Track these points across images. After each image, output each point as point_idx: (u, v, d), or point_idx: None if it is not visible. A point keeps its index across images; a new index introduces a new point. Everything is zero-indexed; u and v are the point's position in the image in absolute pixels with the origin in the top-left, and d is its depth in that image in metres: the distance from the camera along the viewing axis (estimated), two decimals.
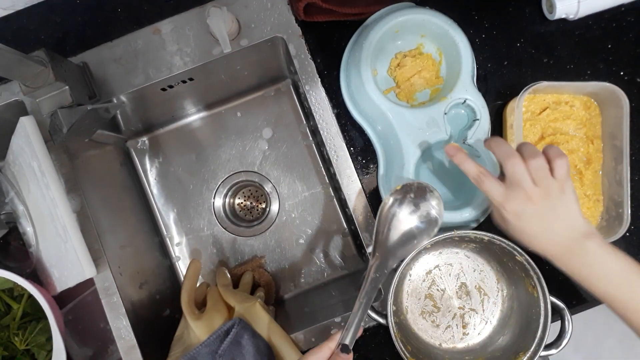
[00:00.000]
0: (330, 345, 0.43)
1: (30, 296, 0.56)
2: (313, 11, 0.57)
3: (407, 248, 0.50)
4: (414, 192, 0.49)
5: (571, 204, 0.42)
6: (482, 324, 0.57)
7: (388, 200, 0.50)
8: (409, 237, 0.50)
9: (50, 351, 0.55)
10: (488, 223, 0.59)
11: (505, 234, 0.45)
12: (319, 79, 0.58)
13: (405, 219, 0.50)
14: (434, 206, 0.49)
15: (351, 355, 0.43)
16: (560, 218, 0.42)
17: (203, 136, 0.73)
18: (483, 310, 0.57)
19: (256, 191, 0.74)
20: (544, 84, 0.52)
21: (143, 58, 0.58)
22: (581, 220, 0.42)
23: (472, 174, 0.44)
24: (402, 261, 0.51)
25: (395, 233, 0.50)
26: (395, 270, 0.52)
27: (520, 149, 0.42)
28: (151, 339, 0.59)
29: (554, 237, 0.42)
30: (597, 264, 0.41)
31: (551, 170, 0.42)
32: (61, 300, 0.63)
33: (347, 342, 0.44)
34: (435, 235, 0.50)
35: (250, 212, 0.74)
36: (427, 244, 0.51)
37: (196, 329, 0.54)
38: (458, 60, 0.54)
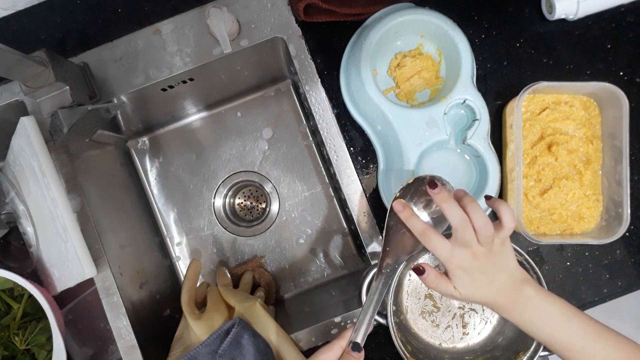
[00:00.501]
0: (342, 343, 0.43)
1: (31, 296, 0.56)
2: (313, 12, 0.57)
3: (418, 244, 0.48)
4: (427, 186, 0.47)
5: (510, 255, 0.44)
6: (482, 324, 0.57)
7: (399, 194, 0.48)
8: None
9: (50, 351, 0.55)
10: None
11: (454, 297, 0.45)
12: (319, 79, 0.58)
13: (417, 214, 0.48)
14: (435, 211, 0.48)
15: (362, 353, 0.43)
16: (502, 269, 0.44)
17: (203, 136, 0.73)
18: (483, 310, 0.57)
19: (256, 191, 0.74)
20: (544, 84, 0.52)
21: (143, 58, 0.58)
22: (518, 269, 0.44)
23: (417, 231, 0.45)
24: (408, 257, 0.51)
25: (406, 228, 0.48)
26: (395, 270, 0.52)
27: (470, 215, 0.43)
28: (151, 339, 0.59)
29: (498, 287, 0.44)
30: (536, 309, 0.43)
31: (496, 227, 0.43)
32: (61, 300, 0.63)
33: (358, 340, 0.44)
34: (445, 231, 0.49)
35: (250, 212, 0.74)
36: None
37: (196, 329, 0.54)
38: (458, 61, 0.54)
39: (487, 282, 0.43)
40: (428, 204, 0.48)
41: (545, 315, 0.43)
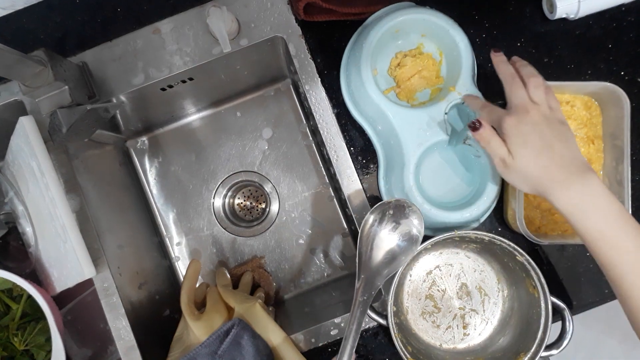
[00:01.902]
0: None
1: (30, 296, 0.56)
2: (313, 11, 0.56)
3: (392, 266, 0.50)
4: (393, 209, 0.49)
5: (570, 134, 0.42)
6: (483, 325, 0.57)
7: (368, 219, 0.50)
8: (393, 256, 0.50)
9: (49, 352, 0.55)
10: (489, 223, 0.59)
11: (505, 165, 0.43)
12: (319, 79, 0.57)
13: (387, 238, 0.50)
14: (414, 224, 0.49)
15: None
16: (560, 140, 0.41)
17: (203, 136, 0.73)
18: (484, 310, 0.57)
19: (256, 191, 0.74)
20: None
21: (143, 58, 0.58)
22: (580, 154, 0.42)
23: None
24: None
25: (379, 252, 0.49)
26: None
27: (519, 70, 0.45)
28: (151, 340, 0.59)
29: (558, 160, 0.41)
30: (595, 199, 0.39)
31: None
32: (60, 300, 0.63)
33: None
34: (421, 246, 0.50)
35: (250, 212, 0.74)
36: (428, 244, 0.51)
37: (196, 330, 0.53)
38: (458, 60, 0.53)
39: (543, 148, 0.41)
40: (397, 226, 0.49)
41: (602, 208, 0.39)
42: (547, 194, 0.42)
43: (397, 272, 0.51)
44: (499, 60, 0.48)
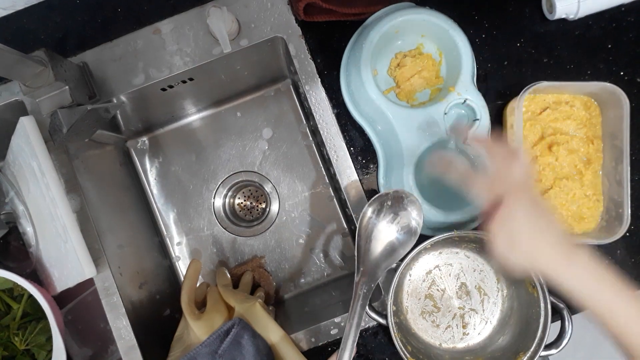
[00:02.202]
0: None
1: (30, 296, 0.56)
2: (313, 11, 0.57)
3: (391, 259, 0.49)
4: (391, 201, 0.49)
5: (554, 219, 0.43)
6: (482, 324, 0.57)
7: (366, 211, 0.49)
8: (392, 248, 0.50)
9: (50, 351, 0.55)
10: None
11: (509, 246, 0.43)
12: (319, 79, 0.58)
13: (385, 230, 0.49)
14: (413, 216, 0.49)
15: None
16: (552, 229, 0.43)
17: (203, 136, 0.73)
18: (483, 310, 0.57)
19: (256, 191, 0.74)
20: (544, 84, 0.52)
21: (143, 58, 0.58)
22: (565, 232, 0.43)
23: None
24: (401, 261, 0.51)
25: (378, 245, 0.49)
26: (395, 270, 0.52)
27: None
28: (151, 339, 0.59)
29: (552, 248, 0.42)
30: (594, 275, 0.41)
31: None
32: (61, 300, 0.63)
33: None
34: (417, 243, 0.50)
35: (250, 212, 0.74)
36: (428, 244, 0.51)
37: (196, 329, 0.53)
38: (458, 60, 0.54)
39: (543, 239, 0.42)
40: (395, 218, 0.49)
41: (599, 276, 0.41)
42: (549, 273, 0.43)
43: (398, 269, 0.51)
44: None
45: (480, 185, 0.44)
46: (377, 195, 0.50)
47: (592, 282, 0.41)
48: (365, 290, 0.48)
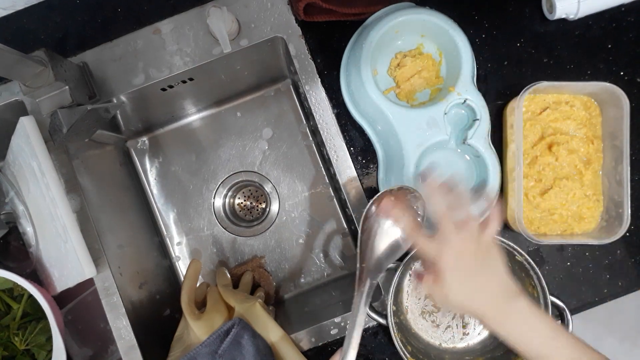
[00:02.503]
0: None
1: (30, 296, 0.56)
2: (313, 11, 0.57)
3: (394, 256, 0.48)
4: (395, 197, 0.48)
5: (499, 262, 0.43)
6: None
7: (370, 208, 0.48)
8: (395, 248, 0.49)
9: (50, 351, 0.55)
10: None
11: (448, 303, 0.44)
12: (319, 79, 0.58)
13: (390, 229, 0.48)
14: (418, 212, 0.48)
15: None
16: (491, 275, 0.43)
17: (203, 136, 0.73)
18: None
19: (256, 191, 0.74)
20: (544, 84, 0.52)
21: (143, 58, 0.58)
22: (510, 278, 0.43)
23: (439, 212, 0.44)
24: (401, 261, 0.51)
25: (382, 243, 0.48)
26: (395, 270, 0.52)
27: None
28: (151, 339, 0.59)
29: (489, 295, 0.43)
30: (527, 322, 0.42)
31: (481, 226, 0.43)
32: (61, 300, 0.63)
33: None
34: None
35: (250, 212, 0.74)
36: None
37: (196, 329, 0.53)
38: (458, 60, 0.54)
39: (477, 287, 0.43)
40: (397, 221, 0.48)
41: (537, 329, 0.42)
42: (488, 324, 0.43)
43: (398, 269, 0.51)
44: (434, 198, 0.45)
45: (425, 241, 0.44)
46: (382, 192, 0.49)
47: (526, 331, 0.42)
48: (368, 288, 0.47)
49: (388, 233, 0.49)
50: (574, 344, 0.42)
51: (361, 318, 0.46)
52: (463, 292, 0.43)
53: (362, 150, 0.60)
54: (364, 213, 0.49)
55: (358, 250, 0.49)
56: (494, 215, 0.44)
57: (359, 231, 0.49)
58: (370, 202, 0.49)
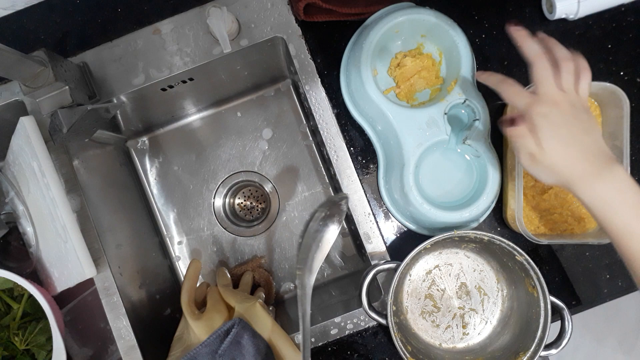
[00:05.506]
0: None
1: (30, 296, 0.56)
2: (313, 11, 0.57)
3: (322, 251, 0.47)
4: (329, 210, 0.47)
5: (596, 125, 0.40)
6: (482, 324, 0.57)
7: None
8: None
9: (50, 351, 0.55)
10: (488, 223, 0.59)
11: (536, 159, 0.40)
12: (319, 79, 0.58)
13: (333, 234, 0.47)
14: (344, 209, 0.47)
15: None
16: (587, 131, 0.39)
17: (203, 136, 0.73)
18: (483, 310, 0.57)
19: (256, 191, 0.74)
20: None
21: (143, 58, 0.58)
22: (605, 145, 0.40)
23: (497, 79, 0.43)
24: (401, 261, 0.51)
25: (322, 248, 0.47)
26: (395, 270, 0.52)
27: (552, 48, 0.41)
28: (151, 339, 0.59)
29: (583, 150, 0.39)
30: (621, 191, 0.38)
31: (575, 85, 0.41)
32: (61, 300, 0.63)
33: None
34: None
35: (250, 212, 0.74)
36: (428, 244, 0.51)
37: (196, 329, 0.53)
38: (458, 60, 0.54)
39: (572, 139, 0.39)
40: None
41: (630, 200, 0.37)
42: (574, 187, 0.40)
43: (398, 269, 0.51)
44: (521, 36, 0.43)
45: (516, 90, 0.42)
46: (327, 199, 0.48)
47: (617, 203, 0.38)
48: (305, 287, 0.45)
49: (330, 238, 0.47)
50: None
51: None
52: (556, 143, 0.39)
53: (362, 150, 0.60)
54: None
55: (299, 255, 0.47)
56: (583, 65, 0.41)
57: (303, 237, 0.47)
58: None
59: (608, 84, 0.52)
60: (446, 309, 0.57)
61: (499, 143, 0.58)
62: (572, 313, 0.52)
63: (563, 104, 0.40)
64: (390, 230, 0.59)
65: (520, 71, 0.59)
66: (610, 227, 0.39)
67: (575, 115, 0.40)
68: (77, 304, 0.64)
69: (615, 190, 0.38)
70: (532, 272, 0.51)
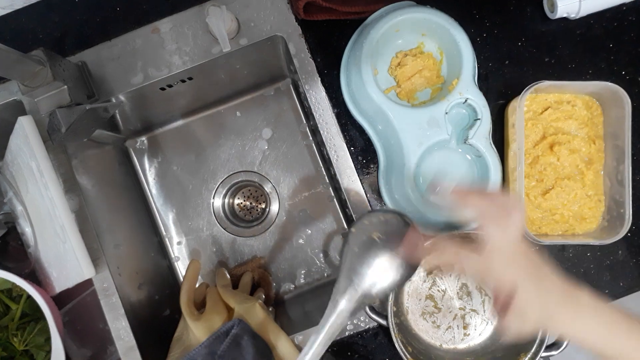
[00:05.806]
0: None
1: (29, 297, 0.56)
2: (313, 10, 0.56)
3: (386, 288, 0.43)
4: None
5: (540, 258, 0.40)
6: (483, 325, 0.57)
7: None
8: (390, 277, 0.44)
9: (49, 352, 0.55)
10: None
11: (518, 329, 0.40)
12: (319, 78, 0.57)
13: (388, 260, 0.43)
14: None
15: None
16: (548, 275, 0.39)
17: (202, 136, 0.73)
18: (484, 310, 0.57)
19: (256, 191, 0.74)
20: (546, 83, 0.52)
21: (142, 57, 0.57)
22: (557, 277, 0.40)
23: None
24: None
25: (376, 272, 0.43)
26: None
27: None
28: (150, 340, 0.59)
29: (556, 299, 0.39)
30: (593, 315, 0.39)
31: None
32: (60, 300, 0.62)
33: None
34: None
35: (250, 212, 0.74)
36: (428, 244, 0.51)
37: (195, 330, 0.53)
38: (459, 59, 0.53)
39: (547, 292, 0.38)
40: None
41: (605, 320, 0.38)
42: (555, 326, 0.40)
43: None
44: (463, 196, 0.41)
45: (477, 269, 0.41)
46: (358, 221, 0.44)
47: (601, 331, 0.39)
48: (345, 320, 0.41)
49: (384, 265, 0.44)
50: None
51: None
52: (538, 303, 0.38)
53: (363, 150, 0.59)
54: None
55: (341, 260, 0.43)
56: (513, 205, 0.40)
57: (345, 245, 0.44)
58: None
59: (609, 84, 0.52)
60: (447, 309, 0.57)
61: (500, 143, 0.58)
62: None
63: (520, 256, 0.39)
64: None
65: (521, 70, 0.59)
66: (595, 348, 0.39)
67: (531, 262, 0.39)
68: (76, 304, 0.64)
69: (588, 318, 0.38)
70: None
